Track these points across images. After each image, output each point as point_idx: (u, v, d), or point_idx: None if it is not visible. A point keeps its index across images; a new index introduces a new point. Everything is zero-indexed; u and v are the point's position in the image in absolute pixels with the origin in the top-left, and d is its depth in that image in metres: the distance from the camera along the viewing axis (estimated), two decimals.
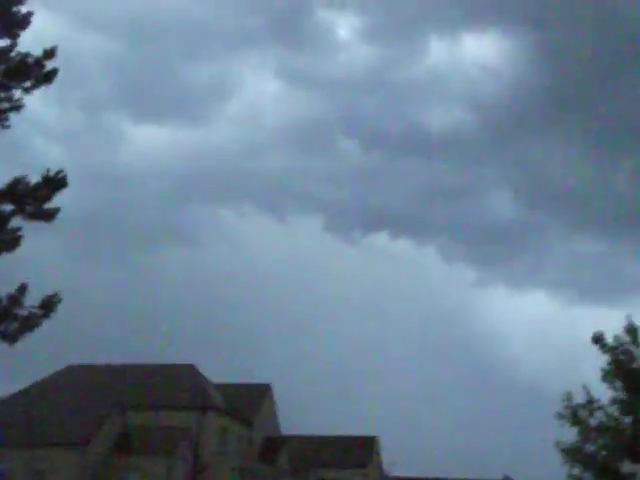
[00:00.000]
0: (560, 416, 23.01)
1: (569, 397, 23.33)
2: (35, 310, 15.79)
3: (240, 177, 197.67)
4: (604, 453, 22.68)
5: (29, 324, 15.78)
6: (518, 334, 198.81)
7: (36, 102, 16.68)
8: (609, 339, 23.04)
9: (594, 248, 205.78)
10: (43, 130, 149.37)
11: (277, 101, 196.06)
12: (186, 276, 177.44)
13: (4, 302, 15.93)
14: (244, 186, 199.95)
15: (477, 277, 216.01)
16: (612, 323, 24.01)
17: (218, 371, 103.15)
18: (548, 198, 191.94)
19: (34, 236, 16.32)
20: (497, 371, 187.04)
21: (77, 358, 73.65)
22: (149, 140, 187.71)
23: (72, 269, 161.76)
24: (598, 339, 23.18)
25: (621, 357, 22.59)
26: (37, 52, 15.99)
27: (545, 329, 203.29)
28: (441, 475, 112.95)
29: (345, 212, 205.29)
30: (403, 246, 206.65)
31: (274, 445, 71.13)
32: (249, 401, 70.57)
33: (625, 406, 22.30)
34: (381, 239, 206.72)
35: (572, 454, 22.82)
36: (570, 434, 23.56)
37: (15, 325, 15.77)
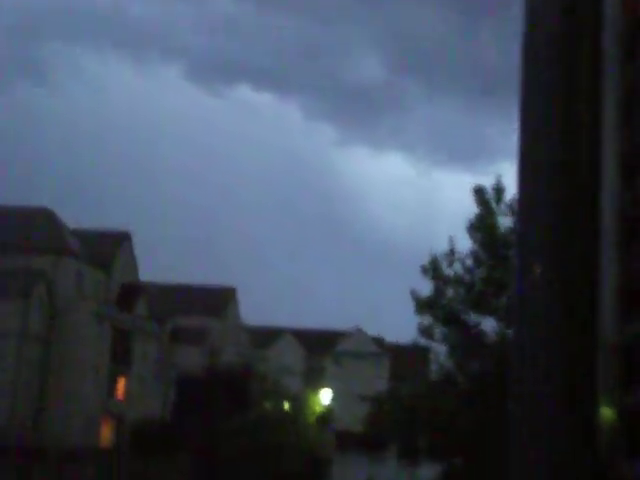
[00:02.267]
0: (424, 270, 24.10)
1: (434, 256, 24.41)
2: None
3: (99, 17, 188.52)
4: (454, 305, 24.06)
5: None
6: (375, 195, 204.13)
7: None
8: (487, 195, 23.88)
9: (455, 112, 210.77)
10: None
11: None
12: (40, 115, 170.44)
13: None
14: (103, 28, 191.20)
15: (338, 136, 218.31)
16: (467, 188, 24.83)
17: (77, 218, 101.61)
18: (412, 59, 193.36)
19: None
20: (354, 229, 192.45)
21: None
22: None
23: None
24: (479, 191, 23.96)
25: (484, 213, 23.66)
26: None
27: (402, 190, 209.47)
28: (296, 325, 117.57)
29: (207, 62, 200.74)
30: (266, 100, 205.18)
31: (132, 291, 71.38)
32: (108, 247, 70.05)
33: (479, 260, 23.60)
34: (243, 91, 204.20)
35: (425, 305, 24.10)
36: (424, 289, 24.78)
37: None
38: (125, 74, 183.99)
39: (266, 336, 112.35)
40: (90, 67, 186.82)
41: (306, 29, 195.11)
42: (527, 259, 2.22)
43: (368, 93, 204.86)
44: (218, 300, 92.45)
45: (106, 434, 63.44)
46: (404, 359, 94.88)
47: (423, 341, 25.90)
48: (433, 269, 24.20)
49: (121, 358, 65.24)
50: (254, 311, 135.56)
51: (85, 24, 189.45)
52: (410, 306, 24.76)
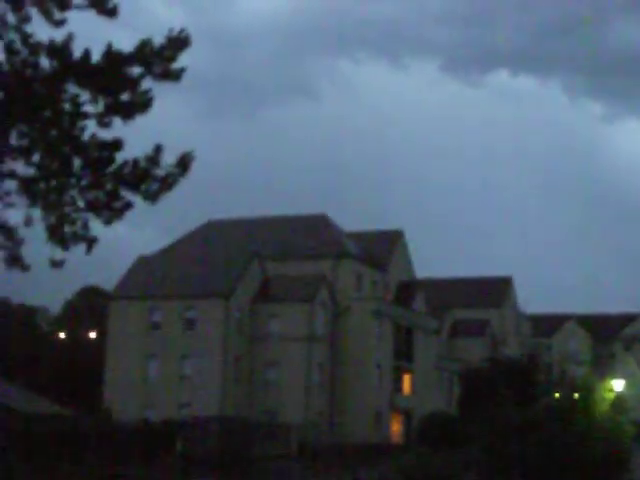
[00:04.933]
0: None
1: None
2: (172, 169, 16.21)
3: (353, 25, 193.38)
4: None
5: (168, 183, 16.26)
6: None
7: None
8: None
9: None
10: None
11: None
12: (310, 129, 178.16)
13: (142, 163, 16.37)
14: (358, 34, 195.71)
15: (604, 111, 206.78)
16: None
17: (350, 220, 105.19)
18: None
19: (160, 98, 16.61)
20: (630, 205, 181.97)
21: (212, 213, 76.58)
22: None
23: (200, 128, 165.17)
24: None
25: None
26: None
27: None
28: (580, 311, 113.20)
29: (461, 52, 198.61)
30: (524, 83, 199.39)
31: (409, 289, 72.56)
32: (382, 247, 71.74)
33: None
34: (501, 77, 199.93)
35: None
36: None
37: (155, 185, 16.25)
38: (383, 76, 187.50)
39: (549, 324, 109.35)
40: (350, 73, 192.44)
41: (558, 4, 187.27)
42: None
43: (633, 62, 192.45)
44: (495, 290, 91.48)
45: (395, 429, 64.92)
46: None
47: None
48: None
49: (404, 354, 66.49)
50: (535, 299, 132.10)
51: (340, 35, 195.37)
52: None
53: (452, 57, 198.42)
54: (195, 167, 17.42)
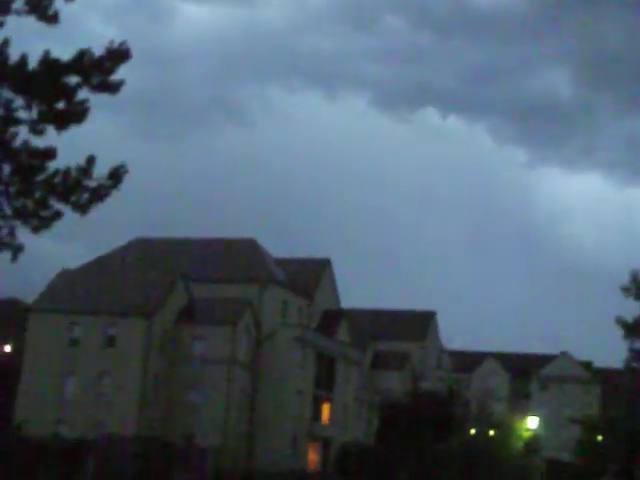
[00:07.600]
0: (625, 290, 23.02)
1: (635, 273, 23.25)
2: (104, 181, 16.05)
3: (287, 55, 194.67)
4: None
5: (99, 194, 16.10)
6: (573, 215, 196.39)
7: None
8: None
9: None
10: (95, 9, 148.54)
11: None
12: (240, 153, 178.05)
13: (74, 173, 16.19)
14: (292, 64, 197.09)
15: (529, 158, 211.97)
16: None
17: (279, 245, 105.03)
18: (603, 73, 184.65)
19: (93, 115, 16.42)
20: (553, 251, 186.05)
21: (140, 232, 75.60)
22: (197, 19, 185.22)
23: (131, 146, 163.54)
24: None
25: None
26: None
27: (601, 209, 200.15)
28: (500, 349, 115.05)
29: (392, 89, 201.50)
30: (453, 124, 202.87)
31: (334, 318, 72.68)
32: (309, 275, 71.80)
33: None
34: (430, 116, 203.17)
35: (633, 329, 22.92)
36: (631, 309, 23.57)
37: (86, 195, 16.08)
38: (315, 105, 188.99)
39: (470, 360, 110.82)
40: (281, 101, 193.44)
41: (489, 50, 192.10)
42: None
43: (557, 111, 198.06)
44: (419, 324, 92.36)
45: (312, 457, 64.70)
46: (615, 384, 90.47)
47: (637, 365, 24.62)
48: (637, 287, 23.01)
49: (325, 383, 66.46)
50: (456, 335, 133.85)
51: (276, 63, 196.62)
52: (618, 327, 23.61)
53: (382, 92, 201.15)
54: (125, 185, 17.24)
